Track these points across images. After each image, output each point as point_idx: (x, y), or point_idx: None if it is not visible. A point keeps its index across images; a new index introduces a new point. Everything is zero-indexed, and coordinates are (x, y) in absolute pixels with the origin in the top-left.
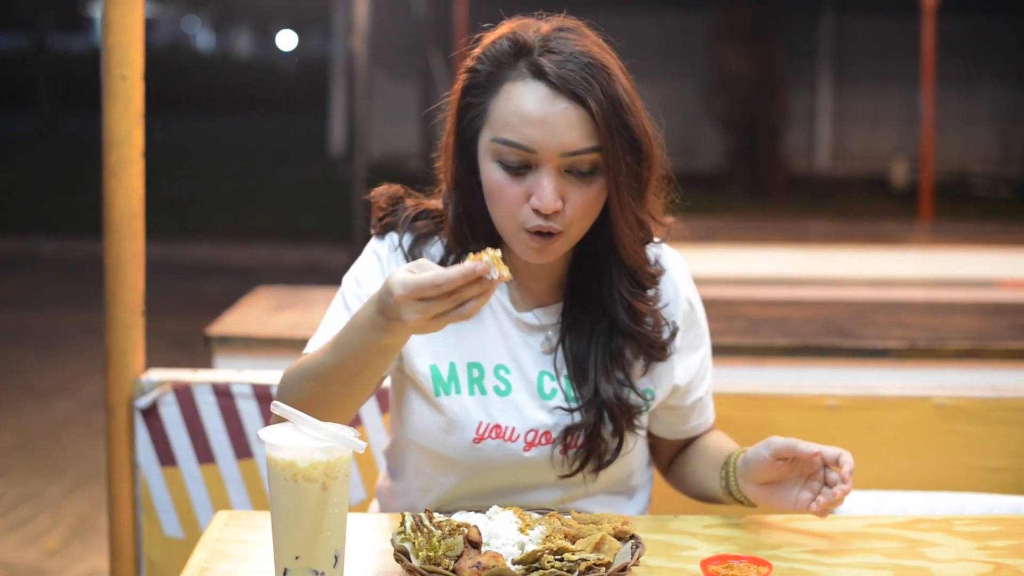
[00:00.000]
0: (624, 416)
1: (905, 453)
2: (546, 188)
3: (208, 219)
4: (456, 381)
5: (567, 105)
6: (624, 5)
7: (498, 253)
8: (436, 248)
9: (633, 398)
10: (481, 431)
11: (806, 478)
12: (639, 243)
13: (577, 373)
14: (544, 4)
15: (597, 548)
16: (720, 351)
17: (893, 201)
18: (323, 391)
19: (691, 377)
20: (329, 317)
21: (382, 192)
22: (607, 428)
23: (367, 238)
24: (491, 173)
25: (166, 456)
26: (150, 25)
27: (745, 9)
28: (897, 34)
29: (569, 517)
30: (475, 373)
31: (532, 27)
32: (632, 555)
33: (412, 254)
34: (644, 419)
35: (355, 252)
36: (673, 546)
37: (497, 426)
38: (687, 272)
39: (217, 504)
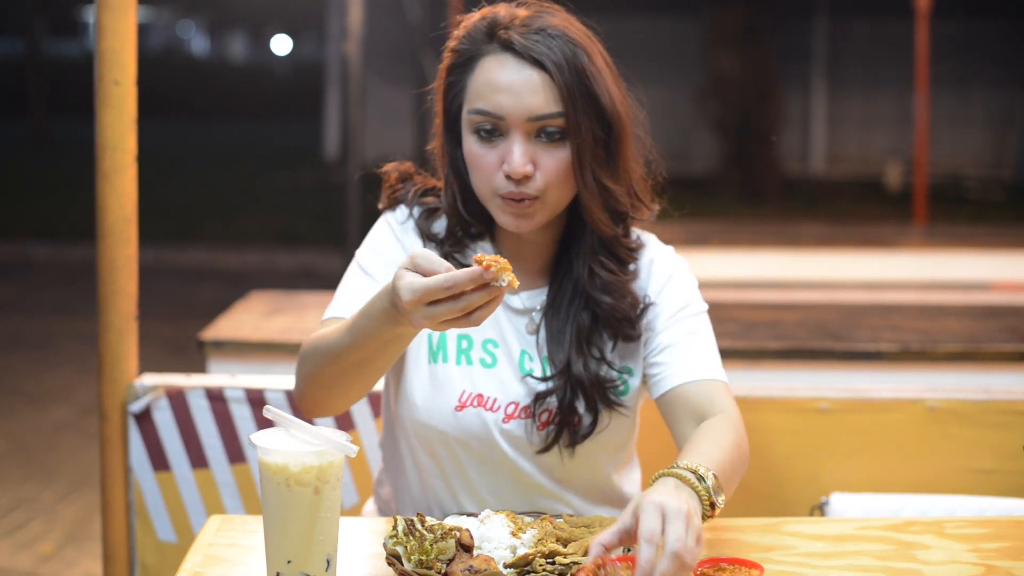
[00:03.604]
0: (596, 390)
1: (897, 455)
2: (515, 153)
3: (202, 224)
4: (444, 349)
5: (531, 72)
6: (617, 9)
7: (506, 262)
8: (441, 224)
9: (606, 372)
10: (463, 399)
11: None
12: (604, 211)
13: (552, 347)
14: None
15: (589, 551)
16: None
17: (887, 204)
18: (338, 371)
19: (659, 324)
20: (347, 285)
21: (394, 167)
22: (580, 402)
23: (361, 241)
24: (470, 145)
25: (159, 461)
26: (145, 30)
27: (737, 12)
28: (891, 38)
29: (561, 520)
30: (464, 344)
31: (510, 8)
32: None
33: (421, 228)
34: (625, 398)
35: (348, 256)
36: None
37: (480, 395)
38: (671, 251)
39: (210, 508)
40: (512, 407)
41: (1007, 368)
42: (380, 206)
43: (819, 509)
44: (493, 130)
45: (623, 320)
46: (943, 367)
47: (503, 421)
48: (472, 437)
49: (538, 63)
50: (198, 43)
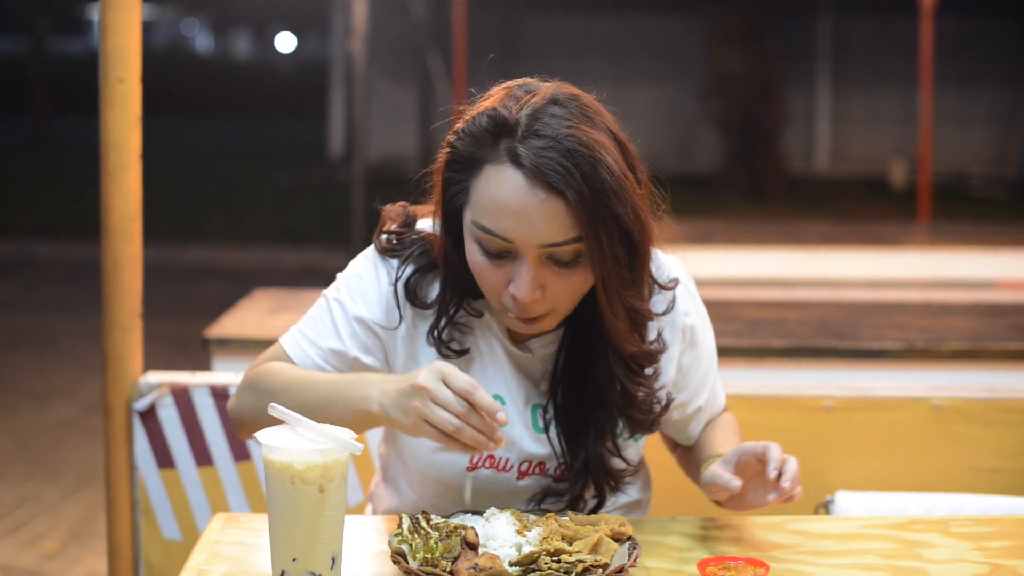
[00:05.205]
0: (608, 481)
1: (902, 454)
2: (524, 279)
3: (206, 222)
4: None
5: (545, 197)
6: (621, 7)
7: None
8: (435, 289)
9: (621, 464)
10: (475, 460)
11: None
12: (631, 331)
13: (569, 435)
14: (540, 10)
15: (594, 549)
16: (717, 353)
17: (891, 202)
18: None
19: (691, 392)
20: (313, 325)
21: (398, 212)
22: (590, 491)
23: (365, 241)
24: (473, 254)
25: (164, 458)
26: (149, 27)
27: (741, 11)
28: (895, 35)
29: (566, 519)
30: None
31: (521, 100)
32: (629, 556)
33: (408, 296)
34: (633, 462)
35: (353, 254)
36: (671, 547)
37: (491, 456)
38: (688, 291)
39: (215, 506)
40: (525, 464)
41: (1012, 366)
42: (375, 242)
43: (824, 507)
44: (500, 250)
45: (643, 425)
46: (947, 365)
47: (517, 479)
48: (484, 493)
49: (553, 187)
50: (202, 41)
